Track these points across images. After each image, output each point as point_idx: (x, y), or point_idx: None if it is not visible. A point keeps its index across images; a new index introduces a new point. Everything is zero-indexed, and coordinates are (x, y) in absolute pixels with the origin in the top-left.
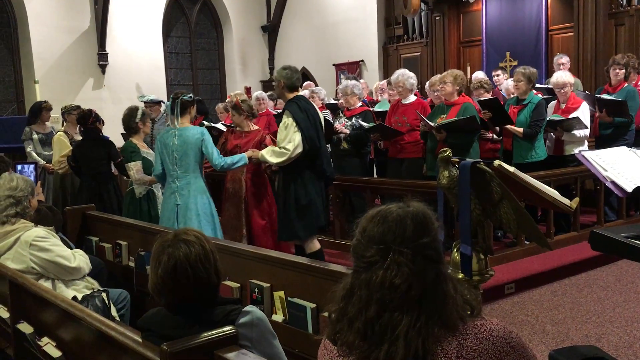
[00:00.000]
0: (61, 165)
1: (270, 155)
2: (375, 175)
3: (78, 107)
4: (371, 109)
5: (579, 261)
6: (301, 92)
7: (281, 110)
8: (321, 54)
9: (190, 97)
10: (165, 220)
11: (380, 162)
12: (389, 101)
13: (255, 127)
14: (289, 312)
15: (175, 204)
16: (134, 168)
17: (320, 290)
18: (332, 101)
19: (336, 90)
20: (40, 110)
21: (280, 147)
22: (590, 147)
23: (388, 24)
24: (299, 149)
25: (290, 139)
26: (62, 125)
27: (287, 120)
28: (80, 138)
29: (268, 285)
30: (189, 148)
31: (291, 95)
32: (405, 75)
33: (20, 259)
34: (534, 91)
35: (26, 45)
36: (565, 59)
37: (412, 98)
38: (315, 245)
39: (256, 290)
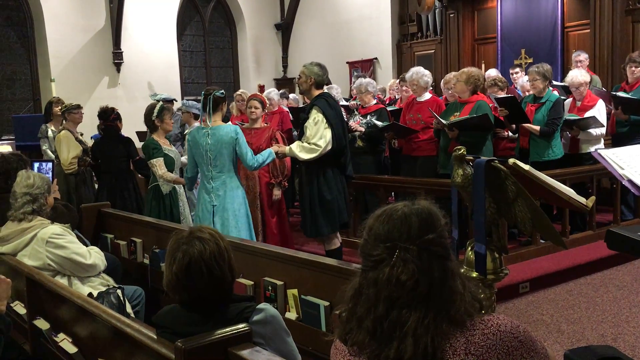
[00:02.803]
0: (70, 166)
1: (299, 150)
2: (389, 174)
3: (78, 106)
4: (386, 107)
5: (595, 260)
6: None
7: (301, 105)
8: (334, 51)
9: (222, 93)
10: (201, 222)
11: (395, 160)
12: (401, 99)
13: (265, 124)
14: (303, 310)
15: (211, 205)
16: (157, 164)
17: (334, 288)
18: (343, 102)
19: (350, 88)
20: (50, 105)
21: (310, 143)
22: (607, 145)
23: (402, 22)
24: (330, 146)
25: (321, 136)
26: (61, 124)
27: (318, 116)
28: (81, 137)
29: (282, 283)
30: (222, 147)
31: (317, 92)
32: (419, 73)
33: (37, 255)
34: (551, 89)
35: (42, 44)
36: (583, 56)
37: (427, 96)
38: (335, 243)
39: (270, 288)
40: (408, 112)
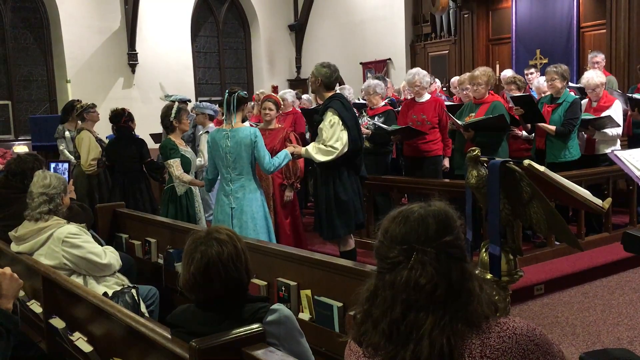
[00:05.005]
0: (90, 168)
1: (316, 152)
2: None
3: (94, 104)
4: (394, 109)
5: (611, 262)
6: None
7: (315, 106)
8: (348, 52)
9: (245, 94)
10: (220, 224)
11: (406, 161)
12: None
13: (279, 126)
14: (316, 310)
15: (230, 207)
16: (174, 165)
17: (347, 289)
18: (361, 101)
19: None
20: (73, 109)
21: (327, 146)
22: (623, 147)
23: (416, 22)
24: (346, 148)
25: (337, 138)
26: (77, 124)
27: (333, 118)
28: (98, 136)
29: (295, 283)
30: (242, 150)
31: (328, 94)
32: (420, 74)
33: (53, 255)
34: (569, 89)
35: (58, 45)
36: (600, 57)
37: (427, 96)
38: (350, 244)
39: (283, 288)
40: (410, 112)
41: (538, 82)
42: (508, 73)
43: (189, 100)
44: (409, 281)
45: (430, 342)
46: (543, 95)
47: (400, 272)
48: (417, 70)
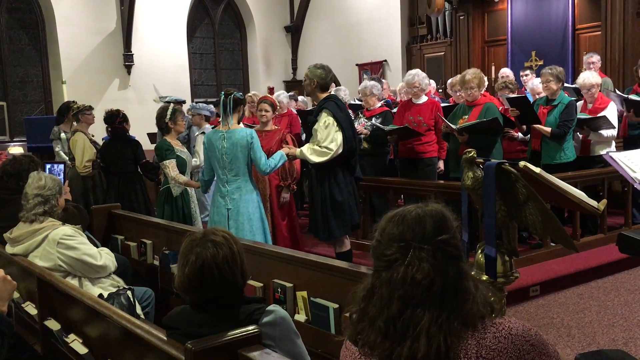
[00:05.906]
0: (85, 169)
1: (310, 153)
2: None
3: (90, 107)
4: (391, 110)
5: (606, 264)
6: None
7: (310, 107)
8: (344, 54)
9: (242, 95)
10: (216, 225)
11: (401, 163)
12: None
13: (275, 127)
14: (312, 312)
15: (226, 208)
16: (170, 165)
17: (343, 291)
18: (356, 102)
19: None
20: (68, 110)
21: (321, 147)
22: (618, 148)
23: (412, 24)
24: (341, 149)
25: (332, 139)
26: (72, 125)
27: (328, 119)
28: (92, 138)
29: (291, 285)
30: (238, 151)
31: (323, 95)
32: (420, 75)
33: (48, 256)
34: (563, 91)
35: (54, 46)
36: (595, 58)
37: (424, 98)
38: (346, 245)
39: (279, 289)
40: (406, 114)
41: (533, 83)
42: (507, 71)
43: (184, 102)
44: (405, 277)
45: (428, 339)
46: (538, 96)
47: (396, 269)
48: (416, 71)
